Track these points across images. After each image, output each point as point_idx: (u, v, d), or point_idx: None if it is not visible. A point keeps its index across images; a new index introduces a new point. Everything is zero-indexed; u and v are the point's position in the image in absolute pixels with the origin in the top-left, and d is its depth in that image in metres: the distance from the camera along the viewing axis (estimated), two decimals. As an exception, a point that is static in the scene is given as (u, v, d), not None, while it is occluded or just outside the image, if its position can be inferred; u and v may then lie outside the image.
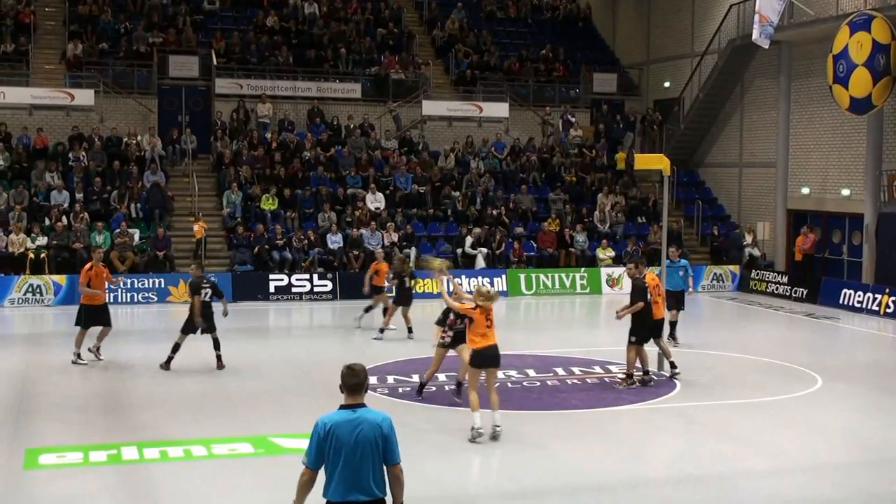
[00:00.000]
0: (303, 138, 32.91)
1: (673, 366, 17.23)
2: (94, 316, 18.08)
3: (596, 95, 38.24)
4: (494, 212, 31.30)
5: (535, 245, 30.77)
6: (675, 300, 20.38)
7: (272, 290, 27.19)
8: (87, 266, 18.22)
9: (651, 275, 17.34)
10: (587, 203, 33.06)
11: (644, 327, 16.57)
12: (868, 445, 13.64)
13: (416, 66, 36.41)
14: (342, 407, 7.00)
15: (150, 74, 33.48)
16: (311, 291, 27.15)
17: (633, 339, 16.49)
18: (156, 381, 16.65)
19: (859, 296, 26.73)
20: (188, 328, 17.34)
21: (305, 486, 7.10)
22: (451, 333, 14.78)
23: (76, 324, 18.13)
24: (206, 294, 17.29)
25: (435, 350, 15.24)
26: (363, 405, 7.01)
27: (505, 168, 34.20)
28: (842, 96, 27.51)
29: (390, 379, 16.81)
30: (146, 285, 26.40)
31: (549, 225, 31.12)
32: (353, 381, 7.01)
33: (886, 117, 27.94)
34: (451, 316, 14.65)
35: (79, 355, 17.92)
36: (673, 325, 20.45)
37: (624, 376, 16.70)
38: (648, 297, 16.66)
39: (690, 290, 21.26)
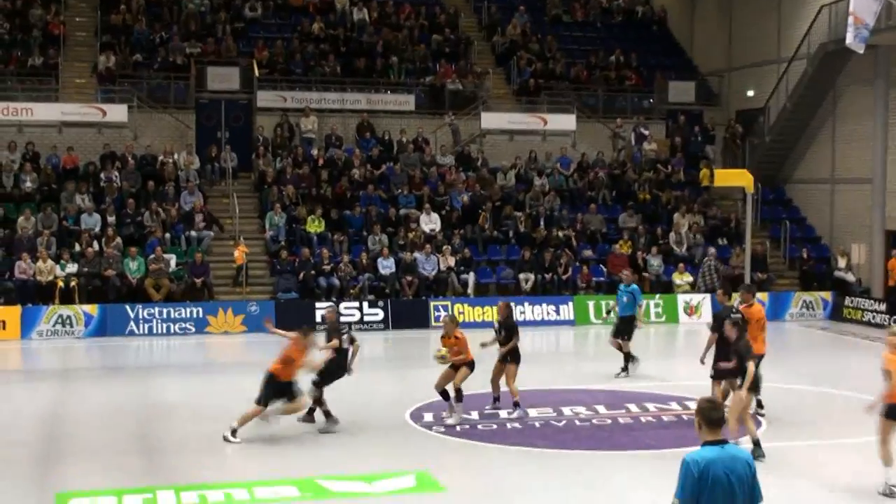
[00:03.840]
0: (351, 155, 33.07)
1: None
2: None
3: (672, 106, 38.07)
4: (560, 233, 31.26)
5: (604, 270, 30.67)
6: (625, 327, 20.76)
7: (318, 319, 27.25)
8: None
9: (757, 306, 17.33)
10: (662, 224, 32.88)
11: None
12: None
13: (474, 76, 36.53)
14: (707, 443, 7.22)
15: (188, 88, 33.92)
16: (360, 321, 27.18)
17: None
18: (194, 421, 16.79)
19: (968, 325, 26.29)
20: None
21: None
22: None
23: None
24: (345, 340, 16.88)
25: None
26: (726, 441, 7.26)
27: (571, 185, 34.18)
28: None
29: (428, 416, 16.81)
30: (183, 315, 26.64)
31: (620, 247, 30.99)
32: (717, 416, 7.29)
33: None
34: None
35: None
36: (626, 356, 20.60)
37: None
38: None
39: (640, 322, 20.98)
